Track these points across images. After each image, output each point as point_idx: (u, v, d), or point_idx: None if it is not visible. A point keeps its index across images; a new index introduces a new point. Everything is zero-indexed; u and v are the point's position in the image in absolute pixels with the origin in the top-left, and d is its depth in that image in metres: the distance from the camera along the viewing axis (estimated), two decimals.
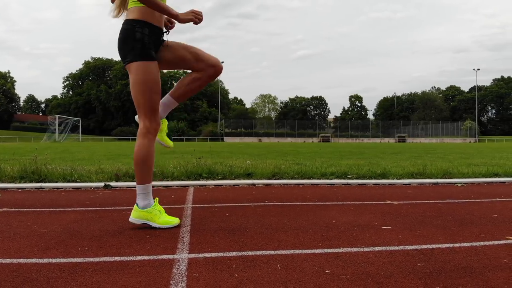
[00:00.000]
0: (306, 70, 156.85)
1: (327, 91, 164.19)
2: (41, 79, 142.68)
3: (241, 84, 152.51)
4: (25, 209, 2.90)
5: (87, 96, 76.54)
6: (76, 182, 4.24)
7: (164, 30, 2.49)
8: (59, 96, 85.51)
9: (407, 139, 66.76)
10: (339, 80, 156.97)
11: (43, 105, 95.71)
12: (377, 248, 1.87)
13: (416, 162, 7.73)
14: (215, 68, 2.53)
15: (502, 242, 1.99)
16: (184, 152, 12.09)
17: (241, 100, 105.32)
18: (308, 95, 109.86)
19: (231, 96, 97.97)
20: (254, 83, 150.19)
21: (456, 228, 2.31)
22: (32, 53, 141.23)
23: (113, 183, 4.19)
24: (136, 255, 1.77)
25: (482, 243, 1.96)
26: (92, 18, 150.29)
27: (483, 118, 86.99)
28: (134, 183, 4.22)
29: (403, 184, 4.51)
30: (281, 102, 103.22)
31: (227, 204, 3.11)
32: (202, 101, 78.78)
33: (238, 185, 4.31)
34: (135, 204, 2.38)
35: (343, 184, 4.43)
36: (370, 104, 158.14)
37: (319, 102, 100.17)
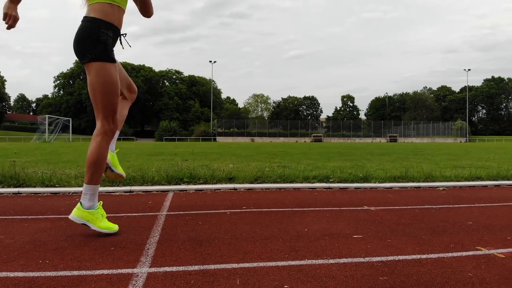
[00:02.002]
0: (298, 70, 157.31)
1: (319, 91, 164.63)
2: (32, 78, 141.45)
3: (234, 83, 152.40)
4: None
5: (78, 95, 75.89)
6: (55, 187, 4.18)
7: (122, 33, 2.46)
8: (50, 95, 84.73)
9: (398, 139, 67.19)
10: (331, 80, 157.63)
11: (34, 105, 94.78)
12: (342, 260, 1.85)
13: (402, 164, 7.76)
14: (135, 95, 2.84)
15: (471, 253, 1.98)
16: (172, 153, 12.02)
17: (233, 100, 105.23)
18: (300, 95, 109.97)
19: (223, 96, 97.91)
20: (247, 83, 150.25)
21: (428, 237, 2.29)
22: (23, 52, 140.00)
23: None
24: (96, 268, 1.73)
25: (450, 254, 1.95)
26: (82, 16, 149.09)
27: (474, 118, 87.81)
28: (113, 188, 4.17)
29: (385, 188, 4.51)
30: (274, 102, 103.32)
31: (203, 211, 3.07)
32: (195, 101, 78.55)
33: (220, 189, 4.27)
34: (79, 203, 2.35)
35: (324, 188, 4.41)
36: (362, 104, 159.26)
37: (312, 102, 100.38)
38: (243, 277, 1.63)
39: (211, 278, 1.61)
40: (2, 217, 2.85)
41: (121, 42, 2.46)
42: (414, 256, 1.91)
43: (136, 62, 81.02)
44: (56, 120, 42.31)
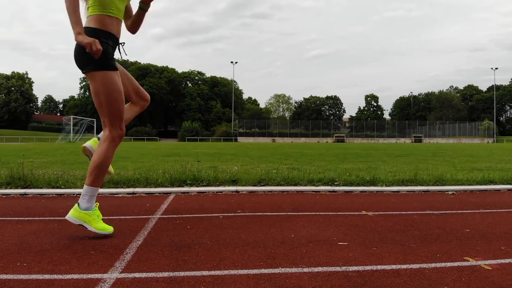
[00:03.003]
0: (320, 70, 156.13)
1: (342, 91, 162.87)
2: (58, 80, 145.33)
3: (255, 84, 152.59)
4: None
5: None
6: (60, 188, 4.26)
7: (121, 42, 2.49)
8: (76, 96, 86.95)
9: (423, 139, 65.76)
10: (354, 79, 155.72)
11: (61, 106, 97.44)
12: (317, 269, 1.79)
13: (418, 166, 7.56)
14: (147, 101, 2.81)
15: (456, 264, 1.89)
16: (188, 154, 12.11)
17: (255, 100, 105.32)
18: (322, 94, 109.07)
19: (245, 96, 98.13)
20: (268, 83, 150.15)
21: (416, 245, 2.21)
22: (50, 54, 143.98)
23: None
24: (68, 273, 1.74)
25: (432, 265, 1.87)
26: None
27: (501, 118, 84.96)
28: (117, 190, 4.22)
29: (392, 191, 4.40)
30: (296, 102, 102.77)
31: (196, 215, 3.06)
32: (216, 102, 79.07)
33: (222, 192, 4.26)
34: (76, 204, 2.38)
35: (329, 191, 4.34)
36: (386, 104, 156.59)
37: (334, 102, 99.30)
38: (208, 285, 1.61)
39: (176, 286, 1.59)
40: (0, 218, 2.91)
41: (119, 51, 2.52)
42: (394, 266, 1.84)
43: (159, 63, 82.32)
44: (80, 121, 43.37)
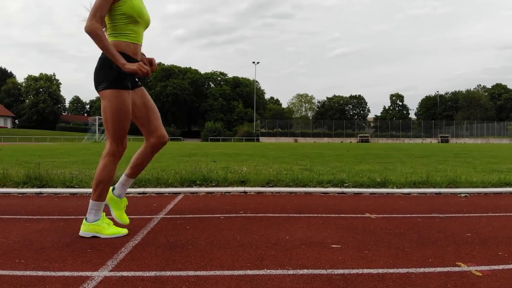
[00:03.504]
0: (344, 69, 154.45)
1: (366, 90, 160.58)
2: (86, 82, 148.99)
3: (278, 84, 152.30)
4: (6, 216, 3.04)
5: None
6: (74, 187, 4.40)
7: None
8: None
9: (450, 140, 64.11)
10: (378, 78, 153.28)
11: (87, 106, 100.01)
12: (302, 271, 1.80)
13: (437, 167, 7.41)
14: (163, 141, 2.67)
15: (446, 269, 1.85)
16: (207, 154, 12.23)
17: (277, 100, 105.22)
18: (346, 94, 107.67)
19: (267, 96, 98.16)
20: (291, 83, 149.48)
21: (411, 249, 2.18)
22: (77, 56, 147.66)
23: None
24: (61, 270, 1.81)
25: (421, 270, 1.84)
26: None
27: None
28: (128, 190, 4.31)
29: (402, 193, 4.34)
30: (319, 102, 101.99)
31: (198, 215, 3.11)
32: (238, 102, 79.40)
33: (230, 192, 4.30)
34: (84, 219, 2.48)
35: (338, 193, 4.32)
36: (412, 103, 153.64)
37: (358, 101, 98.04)
38: (191, 285, 1.64)
39: (159, 285, 1.63)
40: (11, 216, 3.04)
41: (138, 78, 2.57)
42: (381, 270, 1.83)
43: (182, 64, 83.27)
44: None
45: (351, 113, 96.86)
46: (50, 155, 11.79)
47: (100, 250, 2.15)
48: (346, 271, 1.81)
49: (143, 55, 2.65)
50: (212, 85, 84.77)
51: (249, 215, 3.12)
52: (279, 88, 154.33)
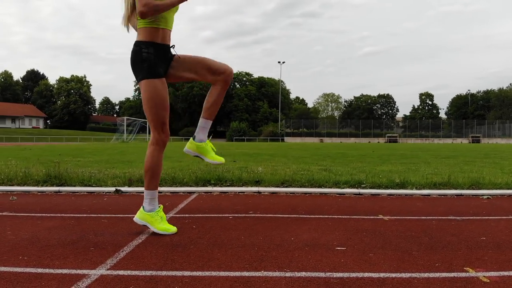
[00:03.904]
0: (372, 68, 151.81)
1: (395, 89, 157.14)
2: (115, 83, 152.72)
3: (304, 83, 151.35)
4: (21, 214, 3.12)
5: None
6: (91, 186, 4.48)
7: (171, 45, 2.58)
8: (131, 98, 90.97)
9: (481, 140, 61.98)
10: (408, 77, 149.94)
11: (117, 107, 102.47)
12: (300, 274, 1.75)
13: (462, 168, 7.16)
14: (227, 73, 2.63)
15: (452, 275, 1.76)
16: (227, 154, 12.26)
17: (303, 100, 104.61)
18: (374, 93, 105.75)
19: (292, 96, 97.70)
20: (317, 82, 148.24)
21: (419, 253, 2.09)
22: (107, 58, 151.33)
23: (125, 188, 4.36)
24: (60, 268, 1.83)
25: (425, 275, 1.76)
26: None
27: None
28: (143, 189, 4.36)
29: (422, 195, 4.20)
30: (345, 101, 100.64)
31: (207, 215, 3.10)
32: (263, 102, 79.41)
33: (244, 192, 4.28)
34: (142, 206, 2.58)
35: (354, 194, 4.22)
36: (442, 102, 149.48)
37: (387, 101, 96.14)
38: (184, 285, 1.62)
39: (152, 285, 1.62)
40: (25, 214, 3.12)
41: (173, 55, 2.60)
42: (382, 274, 1.75)
43: None
44: (134, 121, 45.36)
45: (379, 113, 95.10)
46: (77, 154, 12.12)
47: (103, 249, 2.16)
48: (346, 275, 1.75)
49: None
50: (238, 85, 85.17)
51: (258, 215, 3.09)
52: (305, 87, 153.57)
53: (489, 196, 4.11)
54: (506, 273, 1.76)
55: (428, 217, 3.05)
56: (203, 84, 76.40)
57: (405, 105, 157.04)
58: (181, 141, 56.58)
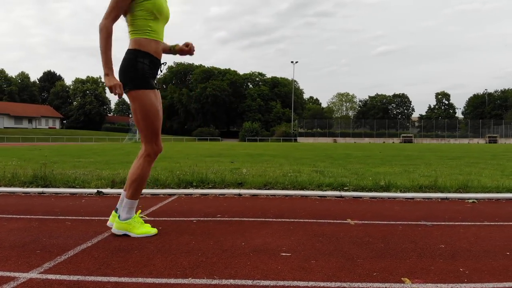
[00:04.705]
0: (387, 67, 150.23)
1: (410, 88, 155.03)
2: None
3: (318, 83, 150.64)
4: None
5: (170, 99, 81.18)
6: (74, 188, 4.52)
7: (162, 62, 2.59)
8: None
9: (498, 140, 60.62)
10: (423, 76, 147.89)
11: None
12: (227, 281, 1.71)
13: (463, 170, 7.00)
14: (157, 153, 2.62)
15: (385, 285, 1.70)
16: (233, 155, 12.26)
17: (316, 100, 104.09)
18: (389, 92, 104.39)
19: (306, 96, 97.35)
20: (332, 82, 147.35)
21: (364, 261, 2.03)
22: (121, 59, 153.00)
23: (107, 190, 4.38)
24: None
25: (356, 284, 1.70)
26: (177, 24, 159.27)
27: None
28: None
29: (406, 198, 4.11)
30: (360, 101, 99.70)
31: (174, 218, 3.08)
32: (276, 102, 79.27)
33: (224, 195, 4.26)
34: (117, 216, 2.55)
35: (336, 197, 4.16)
36: (459, 102, 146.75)
37: (402, 100, 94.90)
38: None
39: None
40: None
41: (160, 70, 2.61)
42: (313, 283, 1.70)
43: (223, 66, 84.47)
44: None
45: (394, 112, 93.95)
46: (82, 155, 12.27)
47: (48, 252, 2.16)
48: (273, 283, 1.70)
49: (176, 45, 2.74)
50: (251, 85, 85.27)
51: (223, 219, 3.06)
52: (319, 87, 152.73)
53: (474, 200, 4.00)
54: (444, 285, 1.69)
55: (397, 222, 2.98)
56: (216, 85, 76.72)
57: (421, 105, 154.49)
58: (194, 141, 56.92)
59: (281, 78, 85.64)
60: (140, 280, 1.74)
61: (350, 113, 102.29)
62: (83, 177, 5.08)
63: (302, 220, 3.01)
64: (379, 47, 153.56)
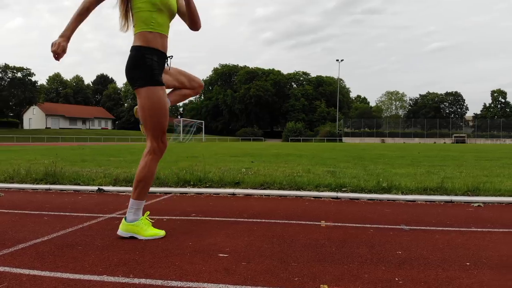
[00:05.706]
0: (439, 64, 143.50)
1: (464, 86, 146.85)
2: None
3: (366, 81, 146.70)
4: None
5: (215, 100, 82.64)
6: (78, 185, 4.70)
7: (168, 55, 2.58)
8: (193, 100, 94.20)
9: None
10: (478, 73, 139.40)
11: (181, 109, 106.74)
12: (138, 281, 1.69)
13: (493, 171, 6.52)
14: (200, 87, 2.85)
15: None
16: (262, 154, 12.22)
17: (364, 99, 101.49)
18: (441, 91, 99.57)
19: (353, 95, 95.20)
20: (381, 80, 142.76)
21: (297, 265, 1.93)
22: (174, 63, 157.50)
23: (108, 187, 4.52)
24: None
25: None
26: (223, 26, 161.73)
27: None
28: (123, 188, 4.48)
29: (406, 200, 3.91)
30: (411, 99, 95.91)
31: (160, 217, 3.04)
32: (321, 101, 78.19)
33: (218, 194, 4.26)
34: (124, 218, 2.50)
35: (332, 198, 4.03)
36: None
37: (455, 99, 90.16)
38: (22, 284, 1.64)
39: (3, 282, 1.66)
40: None
41: (167, 64, 2.59)
42: (219, 285, 1.64)
43: (269, 66, 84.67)
44: (190, 123, 46.85)
45: (446, 112, 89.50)
46: (115, 154, 12.75)
47: (2, 244, 2.24)
48: (184, 284, 1.66)
49: None
50: (294, 85, 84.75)
51: (193, 218, 3.04)
52: (368, 86, 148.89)
53: (480, 204, 3.72)
54: None
55: (372, 225, 2.82)
56: (259, 85, 77.00)
57: (475, 104, 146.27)
58: (237, 140, 57.54)
59: (326, 76, 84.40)
60: (58, 274, 1.76)
61: (400, 112, 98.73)
62: (89, 174, 5.27)
63: (271, 221, 2.93)
64: (431, 43, 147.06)
